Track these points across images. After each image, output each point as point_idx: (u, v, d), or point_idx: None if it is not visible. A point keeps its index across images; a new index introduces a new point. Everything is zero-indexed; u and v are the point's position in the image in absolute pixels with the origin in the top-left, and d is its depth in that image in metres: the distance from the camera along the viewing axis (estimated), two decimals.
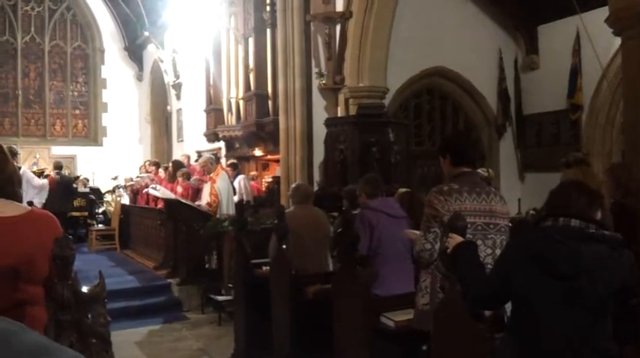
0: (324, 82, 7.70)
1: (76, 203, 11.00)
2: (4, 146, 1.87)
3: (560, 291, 1.91)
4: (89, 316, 1.40)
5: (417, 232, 2.94)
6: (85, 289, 1.43)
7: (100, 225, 11.45)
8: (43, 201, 8.60)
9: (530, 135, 9.22)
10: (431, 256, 2.68)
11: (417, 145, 8.75)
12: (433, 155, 5.50)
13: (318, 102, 7.80)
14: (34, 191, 8.49)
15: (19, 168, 5.51)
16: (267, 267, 4.63)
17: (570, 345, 1.90)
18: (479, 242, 2.62)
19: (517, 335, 2.04)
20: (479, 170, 4.28)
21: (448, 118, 9.22)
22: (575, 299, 1.90)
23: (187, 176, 8.65)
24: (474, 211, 2.67)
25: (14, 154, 7.60)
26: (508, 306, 2.25)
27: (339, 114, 7.68)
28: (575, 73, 8.24)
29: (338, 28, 7.70)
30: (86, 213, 11.46)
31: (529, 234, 2.06)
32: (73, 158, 14.98)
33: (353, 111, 7.42)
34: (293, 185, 5.57)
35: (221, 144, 10.70)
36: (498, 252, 2.65)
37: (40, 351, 0.45)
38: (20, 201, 1.77)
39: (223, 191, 7.17)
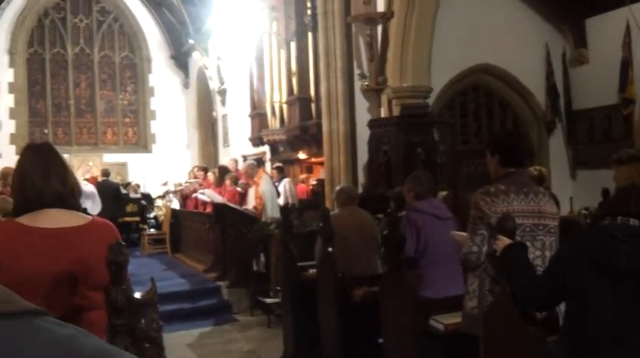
0: (366, 83, 7.69)
1: (128, 208, 11.37)
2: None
3: (619, 290, 1.86)
4: (142, 321, 1.46)
5: (464, 234, 2.91)
6: (137, 295, 1.49)
7: (152, 230, 11.79)
8: (99, 209, 8.87)
9: (580, 131, 8.93)
10: (478, 259, 2.64)
11: (462, 144, 8.62)
12: (480, 154, 5.40)
13: (361, 104, 7.79)
14: (85, 198, 8.77)
15: None
16: (314, 270, 4.67)
17: (630, 345, 1.85)
18: (527, 244, 2.57)
19: (572, 337, 1.99)
20: (531, 168, 4.20)
21: (495, 116, 9.03)
22: (634, 298, 1.85)
23: (235, 180, 8.81)
24: (521, 212, 2.62)
25: None
26: (562, 307, 2.21)
27: (382, 116, 7.65)
28: (627, 65, 7.92)
29: (379, 28, 7.67)
30: (138, 218, 11.83)
31: (587, 233, 2.02)
32: (124, 165, 15.45)
33: (396, 111, 7.38)
34: (337, 187, 5.59)
35: (266, 148, 10.84)
36: (548, 253, 2.60)
37: (101, 355, 0.47)
38: (81, 211, 1.86)
39: (267, 193, 7.27)
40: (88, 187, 9.43)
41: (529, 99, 8.97)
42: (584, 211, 4.96)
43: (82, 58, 15.69)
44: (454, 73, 8.22)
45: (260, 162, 10.05)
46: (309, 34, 8.80)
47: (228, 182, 8.72)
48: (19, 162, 1.84)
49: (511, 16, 8.59)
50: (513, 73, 8.70)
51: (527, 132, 8.67)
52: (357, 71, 7.74)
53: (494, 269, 2.32)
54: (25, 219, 1.73)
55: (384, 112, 7.69)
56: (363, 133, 7.47)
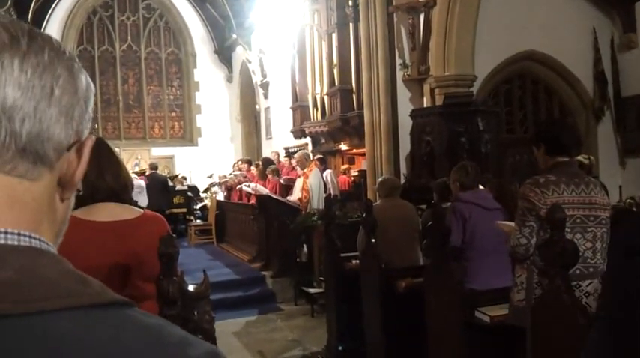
0: (408, 73, 7.61)
1: (175, 200, 11.67)
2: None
3: None
4: (195, 313, 1.51)
5: (510, 224, 2.86)
6: (191, 287, 1.53)
7: (198, 221, 12.07)
8: (146, 202, 9.15)
9: (630, 118, 8.58)
10: (527, 251, 2.59)
11: (507, 133, 8.43)
12: (525, 143, 5.28)
13: (403, 94, 7.72)
14: (136, 191, 9.04)
15: None
16: (357, 261, 4.68)
17: None
18: (578, 235, 2.51)
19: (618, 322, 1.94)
20: (579, 157, 4.08)
21: (541, 103, 8.79)
22: None
23: (276, 172, 8.90)
24: (572, 203, 2.55)
25: None
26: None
27: (425, 105, 7.57)
28: None
29: (422, 17, 7.57)
30: (185, 210, 12.13)
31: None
32: (171, 158, 15.84)
33: (439, 101, 7.28)
34: (380, 179, 5.58)
35: (307, 139, 10.89)
36: (598, 245, 2.53)
37: (184, 343, 0.50)
38: (134, 204, 1.93)
39: (315, 187, 7.33)
40: (138, 181, 9.73)
41: (576, 86, 8.69)
42: (629, 200, 4.78)
43: (129, 55, 16.10)
44: (499, 60, 8.04)
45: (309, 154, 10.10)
46: (351, 25, 8.77)
47: (270, 175, 8.82)
48: None
49: (557, 0, 8.32)
50: (560, 59, 8.44)
51: (574, 120, 8.40)
52: (398, 61, 7.67)
53: (542, 261, 2.28)
54: (80, 213, 1.80)
55: (426, 102, 7.60)
56: (405, 123, 7.40)
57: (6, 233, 0.51)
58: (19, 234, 0.52)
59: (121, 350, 0.47)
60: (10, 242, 0.51)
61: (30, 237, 0.52)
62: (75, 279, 0.51)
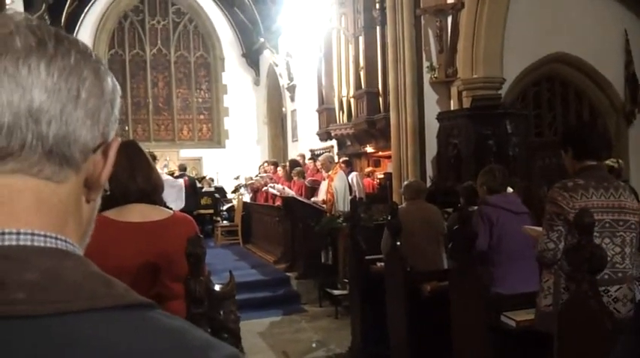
0: (435, 75, 7.57)
1: (203, 201, 11.82)
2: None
3: None
4: (221, 313, 1.54)
5: (537, 229, 2.84)
6: (217, 287, 1.57)
7: (225, 222, 12.20)
8: (182, 204, 9.20)
9: None
10: (554, 256, 2.56)
11: (536, 136, 8.31)
12: (554, 146, 5.20)
13: (430, 97, 7.68)
14: (173, 191, 9.09)
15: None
16: (382, 263, 4.68)
17: None
18: (607, 240, 2.48)
19: None
20: (608, 161, 4.01)
21: (570, 106, 8.65)
22: None
23: (302, 174, 8.95)
24: (601, 208, 2.52)
25: (154, 159, 8.27)
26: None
27: (452, 108, 7.52)
28: None
29: (449, 19, 7.53)
30: (212, 211, 12.28)
31: None
32: (199, 160, 16.05)
33: (466, 103, 7.22)
34: (405, 182, 5.57)
35: (333, 142, 10.92)
36: (627, 250, 2.49)
37: (207, 346, 0.51)
38: (163, 205, 1.98)
39: (340, 190, 7.35)
40: (175, 181, 9.85)
41: (607, 88, 8.52)
42: None
43: (159, 59, 16.37)
44: (528, 62, 7.93)
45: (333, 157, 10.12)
46: (377, 28, 8.78)
47: (295, 177, 8.88)
48: None
49: (587, 1, 8.18)
50: (590, 61, 8.29)
51: (604, 123, 8.25)
52: (425, 63, 7.64)
53: (570, 266, 2.26)
54: (111, 213, 1.86)
55: (453, 105, 7.55)
56: (432, 126, 7.37)
57: (32, 234, 0.51)
58: (45, 236, 0.52)
59: (141, 351, 0.47)
60: (36, 243, 0.51)
61: (56, 238, 0.53)
62: (99, 281, 0.51)
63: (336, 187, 7.37)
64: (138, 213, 1.86)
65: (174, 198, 8.56)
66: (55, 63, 0.53)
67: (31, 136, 0.52)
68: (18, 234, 0.51)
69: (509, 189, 4.52)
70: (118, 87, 0.61)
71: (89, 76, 0.55)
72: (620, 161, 4.72)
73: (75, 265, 0.51)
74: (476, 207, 3.94)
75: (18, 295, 0.47)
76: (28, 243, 0.51)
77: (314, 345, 5.45)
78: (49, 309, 0.47)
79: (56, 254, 0.52)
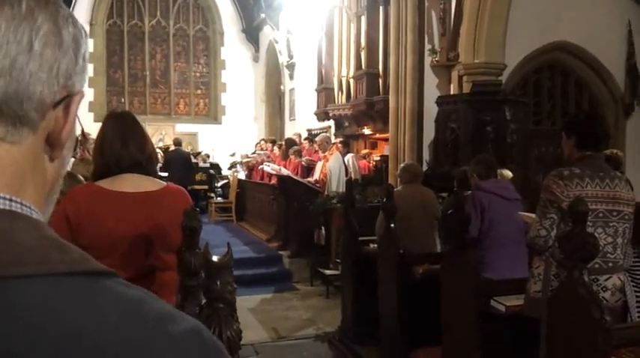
0: (436, 58, 7.52)
1: (197, 177, 11.80)
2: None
3: None
4: (218, 283, 1.55)
5: (532, 215, 2.85)
6: (215, 258, 1.57)
7: (219, 198, 12.20)
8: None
9: None
10: (546, 243, 2.58)
11: (534, 124, 8.30)
12: (552, 135, 5.19)
13: (430, 80, 7.63)
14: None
15: None
16: (375, 245, 4.70)
17: None
18: (599, 230, 2.49)
19: None
20: (605, 151, 4.01)
21: (570, 96, 8.63)
22: None
23: (299, 153, 8.93)
24: (595, 197, 2.53)
25: None
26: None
27: (452, 92, 7.48)
28: None
29: (453, 2, 7.45)
30: (206, 187, 12.27)
31: None
32: (195, 135, 15.96)
33: (467, 88, 7.18)
34: (402, 164, 5.56)
35: (331, 122, 10.87)
36: (619, 240, 2.51)
37: (165, 318, 0.48)
38: (158, 177, 1.97)
39: (334, 171, 7.34)
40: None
41: (607, 79, 8.50)
42: None
43: (158, 31, 16.18)
44: (529, 49, 7.89)
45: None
46: (381, 8, 8.68)
47: (293, 156, 8.85)
48: (101, 129, 1.94)
49: None
50: (592, 51, 8.25)
51: (603, 114, 8.24)
52: (427, 46, 7.58)
53: (562, 253, 2.27)
54: (104, 183, 1.85)
55: (453, 89, 7.51)
56: (431, 110, 7.34)
57: None
58: None
59: (93, 320, 0.44)
60: None
61: (11, 200, 0.49)
62: (52, 246, 0.48)
63: (330, 168, 7.36)
64: (131, 182, 1.85)
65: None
66: (1, 13, 0.48)
67: None
68: None
69: (509, 175, 4.55)
70: (84, 33, 0.56)
71: (44, 25, 0.50)
72: (619, 152, 4.72)
73: (28, 228, 0.48)
74: (469, 192, 3.96)
75: None
76: None
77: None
78: None
79: (9, 216, 0.48)
